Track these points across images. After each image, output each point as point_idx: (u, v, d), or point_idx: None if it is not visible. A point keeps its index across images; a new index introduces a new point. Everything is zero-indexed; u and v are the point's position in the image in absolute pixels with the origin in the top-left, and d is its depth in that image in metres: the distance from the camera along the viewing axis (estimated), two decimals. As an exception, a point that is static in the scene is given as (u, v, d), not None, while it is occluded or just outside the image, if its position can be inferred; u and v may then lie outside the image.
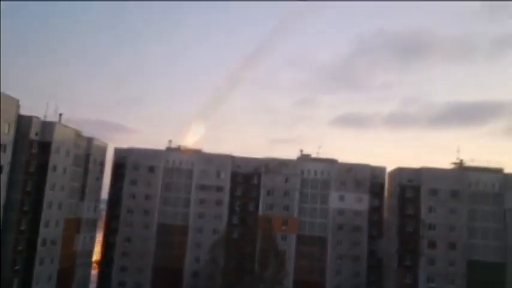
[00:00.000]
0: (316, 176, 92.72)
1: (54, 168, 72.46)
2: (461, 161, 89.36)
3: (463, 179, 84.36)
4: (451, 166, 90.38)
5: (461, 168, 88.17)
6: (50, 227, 72.50)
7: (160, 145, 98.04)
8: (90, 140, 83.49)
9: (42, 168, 70.39)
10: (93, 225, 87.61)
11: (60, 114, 76.13)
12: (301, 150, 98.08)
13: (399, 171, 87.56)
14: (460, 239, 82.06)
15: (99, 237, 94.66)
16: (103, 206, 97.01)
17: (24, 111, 67.52)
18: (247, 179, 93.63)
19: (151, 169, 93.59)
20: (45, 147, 70.60)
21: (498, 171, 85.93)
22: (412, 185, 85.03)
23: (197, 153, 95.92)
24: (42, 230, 70.49)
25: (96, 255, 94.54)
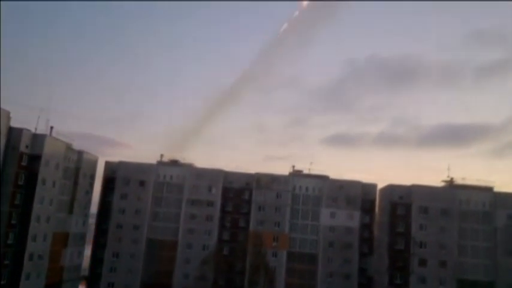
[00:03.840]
0: (308, 192, 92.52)
1: (44, 182, 71.68)
2: (451, 179, 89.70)
3: (454, 197, 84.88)
4: (442, 184, 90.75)
5: (451, 187, 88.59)
6: (38, 241, 71.41)
7: (152, 160, 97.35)
8: (80, 153, 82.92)
9: (32, 181, 69.66)
10: (81, 240, 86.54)
11: (51, 127, 75.78)
12: (293, 166, 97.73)
13: (390, 189, 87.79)
14: (451, 257, 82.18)
15: (87, 252, 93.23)
16: (92, 220, 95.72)
17: (15, 124, 67.18)
18: (238, 194, 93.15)
19: (142, 183, 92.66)
20: (35, 160, 69.97)
21: (488, 189, 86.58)
22: (403, 202, 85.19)
23: (189, 168, 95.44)
24: (29, 244, 69.37)
25: (85, 271, 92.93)
